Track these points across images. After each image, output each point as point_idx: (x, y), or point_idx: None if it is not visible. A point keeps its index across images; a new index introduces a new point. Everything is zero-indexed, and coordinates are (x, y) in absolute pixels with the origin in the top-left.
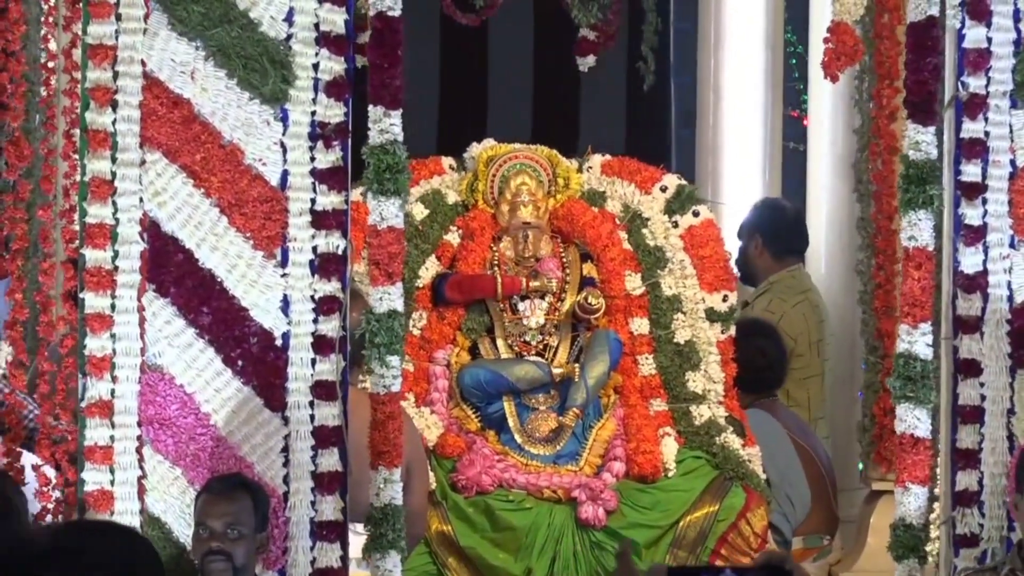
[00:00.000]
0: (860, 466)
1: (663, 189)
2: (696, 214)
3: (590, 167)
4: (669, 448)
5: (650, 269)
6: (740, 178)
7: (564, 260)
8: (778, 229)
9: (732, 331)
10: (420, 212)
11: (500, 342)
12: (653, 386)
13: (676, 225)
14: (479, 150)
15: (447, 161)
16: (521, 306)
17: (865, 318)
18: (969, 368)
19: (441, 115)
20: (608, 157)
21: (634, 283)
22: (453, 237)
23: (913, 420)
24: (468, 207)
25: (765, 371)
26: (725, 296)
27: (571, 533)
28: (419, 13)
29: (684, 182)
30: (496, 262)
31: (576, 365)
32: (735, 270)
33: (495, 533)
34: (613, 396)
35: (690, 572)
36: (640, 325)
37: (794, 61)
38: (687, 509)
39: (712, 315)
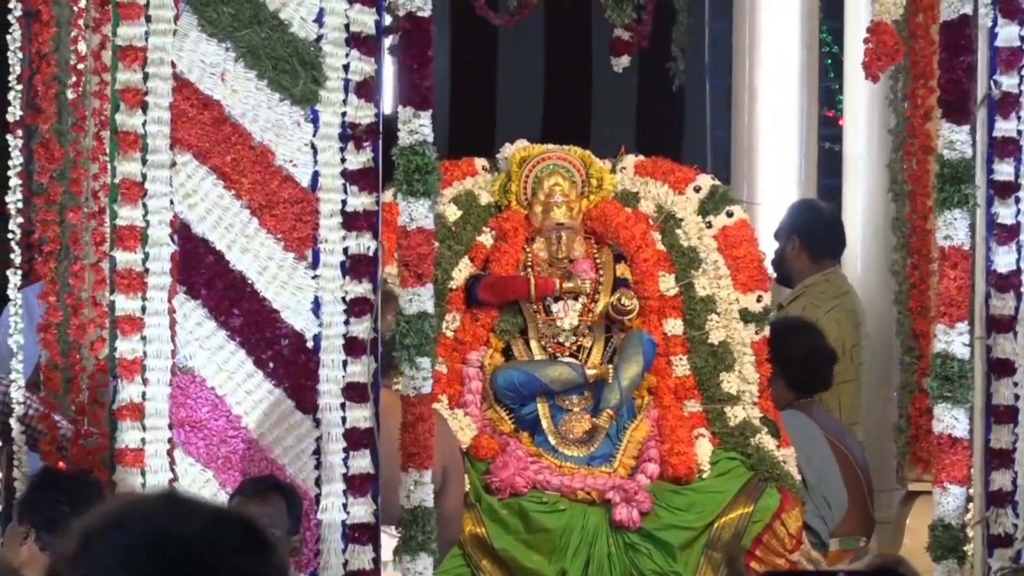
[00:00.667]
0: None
1: (697, 189)
2: (730, 214)
3: (623, 167)
4: (703, 449)
5: (684, 270)
6: (775, 179)
7: (598, 261)
8: (815, 230)
9: (766, 331)
10: (453, 213)
11: (534, 343)
12: (687, 387)
13: (710, 226)
14: (512, 151)
15: (480, 162)
16: (555, 307)
17: (900, 318)
18: (1003, 368)
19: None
20: (642, 157)
21: (668, 284)
22: (486, 238)
23: (951, 420)
24: (501, 208)
25: (821, 370)
26: (759, 296)
27: (605, 535)
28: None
29: (718, 182)
30: (529, 263)
31: (610, 366)
32: (771, 271)
33: (529, 535)
34: (647, 397)
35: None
36: (674, 326)
37: (829, 61)
38: (722, 510)
39: (746, 316)
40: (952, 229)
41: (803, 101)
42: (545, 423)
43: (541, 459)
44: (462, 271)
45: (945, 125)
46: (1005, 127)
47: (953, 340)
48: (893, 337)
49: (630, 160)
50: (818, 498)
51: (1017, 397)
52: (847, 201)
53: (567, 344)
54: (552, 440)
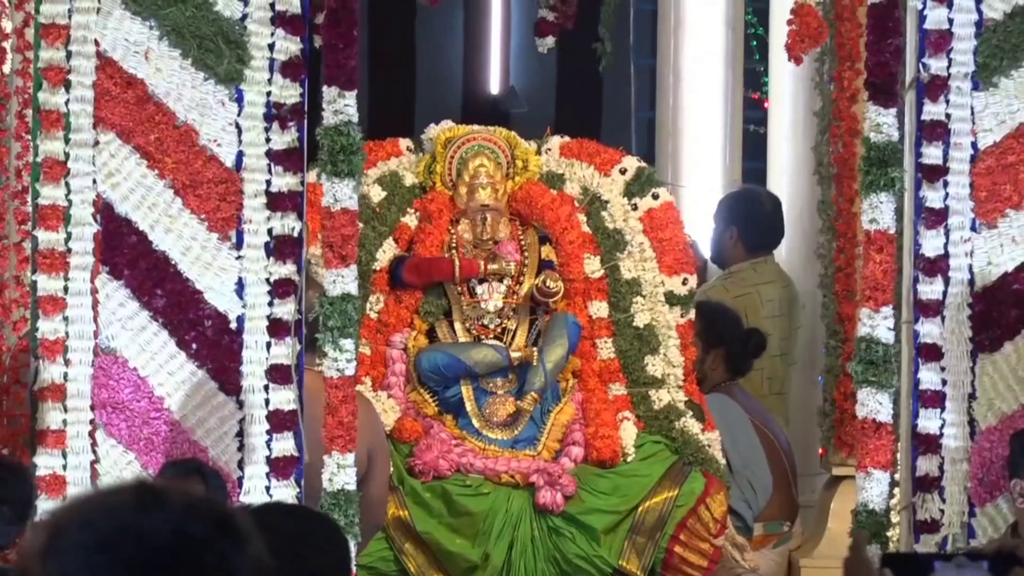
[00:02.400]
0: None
1: (623, 171)
2: (656, 197)
3: (549, 149)
4: (628, 433)
5: (609, 252)
6: (700, 161)
7: (523, 243)
8: (754, 223)
9: (691, 315)
10: (377, 194)
11: (458, 325)
12: (612, 370)
13: (635, 208)
14: (437, 131)
15: (405, 143)
16: (479, 289)
17: (826, 302)
18: (930, 352)
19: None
20: (567, 139)
21: (593, 266)
22: (411, 219)
23: (875, 405)
24: (426, 189)
25: (755, 353)
26: (685, 279)
27: (529, 518)
28: None
29: (644, 164)
30: (454, 245)
31: (534, 349)
32: (710, 252)
33: (452, 518)
34: (572, 380)
35: (919, 559)
36: (599, 308)
37: (755, 43)
38: (646, 494)
39: (671, 298)
40: (878, 212)
41: (728, 83)
42: (469, 406)
43: (465, 442)
44: (386, 252)
45: (871, 108)
46: (934, 110)
47: (878, 324)
48: (818, 321)
49: (556, 141)
50: (743, 482)
51: (944, 382)
52: (771, 184)
53: (491, 326)
54: (476, 423)
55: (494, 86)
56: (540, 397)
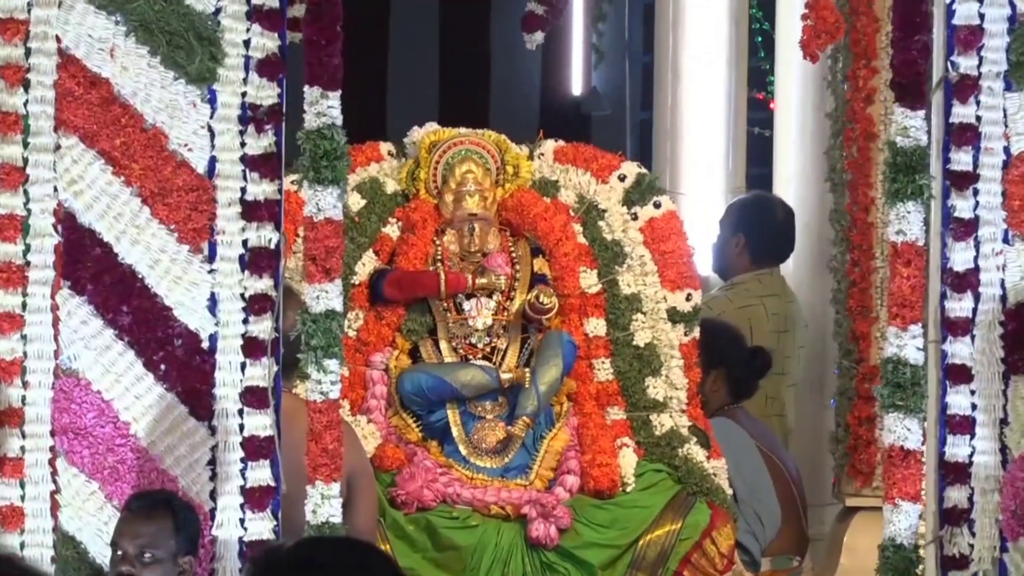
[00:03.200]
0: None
1: (621, 178)
2: (658, 205)
3: (542, 154)
4: (627, 460)
5: (607, 265)
6: (700, 165)
7: (513, 255)
8: (764, 233)
9: (696, 333)
10: (356, 202)
11: (443, 344)
12: (610, 393)
13: (636, 217)
14: (421, 135)
15: (386, 147)
16: (466, 305)
17: (839, 319)
18: (959, 374)
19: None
20: (561, 143)
21: (589, 280)
22: (392, 230)
23: (903, 431)
24: (409, 197)
25: (760, 374)
26: (689, 295)
27: (520, 553)
28: None
29: (644, 170)
30: (439, 257)
31: (526, 370)
32: (712, 261)
33: (437, 553)
34: (566, 404)
35: None
36: (596, 326)
37: (760, 39)
38: (647, 527)
39: (674, 315)
40: (905, 223)
41: (731, 82)
42: (455, 431)
43: (451, 470)
44: (366, 265)
45: (898, 110)
46: (963, 112)
47: (906, 344)
48: (829, 340)
49: (549, 146)
50: (749, 512)
51: (974, 407)
52: (777, 191)
53: (480, 345)
54: (463, 450)
55: (575, 87)
56: (532, 422)
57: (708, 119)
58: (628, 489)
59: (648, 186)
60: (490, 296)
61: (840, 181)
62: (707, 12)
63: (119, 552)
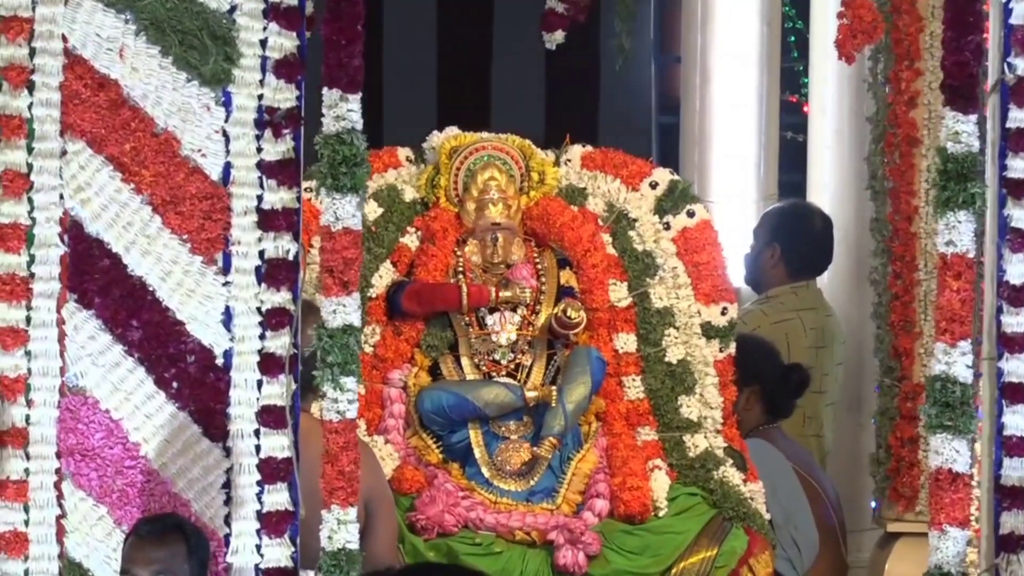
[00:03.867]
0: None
1: (653, 185)
2: (691, 214)
3: (569, 160)
4: (660, 483)
5: (638, 277)
6: (730, 172)
7: (539, 267)
8: (801, 245)
9: (732, 349)
10: (373, 211)
11: (465, 361)
12: (641, 412)
13: (668, 227)
14: (440, 140)
15: (404, 152)
16: (489, 320)
17: (880, 334)
18: (1016, 393)
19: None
20: (589, 148)
21: (619, 293)
22: (411, 240)
23: (951, 453)
24: (428, 205)
25: (797, 393)
26: (724, 309)
27: None
28: None
29: (677, 177)
30: (461, 269)
31: (553, 388)
32: (744, 271)
33: None
34: (595, 423)
35: None
36: (626, 342)
37: (793, 39)
38: (681, 554)
39: (709, 331)
40: (955, 234)
41: (762, 84)
42: (478, 452)
43: (473, 494)
44: (383, 277)
45: (949, 114)
46: (1020, 117)
47: (955, 361)
48: (868, 356)
49: (576, 151)
50: (785, 538)
51: None
52: (812, 198)
53: (504, 362)
54: (486, 472)
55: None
56: (559, 443)
57: (739, 123)
58: (660, 514)
59: (681, 194)
60: (514, 310)
61: (881, 189)
62: (738, 11)
63: None
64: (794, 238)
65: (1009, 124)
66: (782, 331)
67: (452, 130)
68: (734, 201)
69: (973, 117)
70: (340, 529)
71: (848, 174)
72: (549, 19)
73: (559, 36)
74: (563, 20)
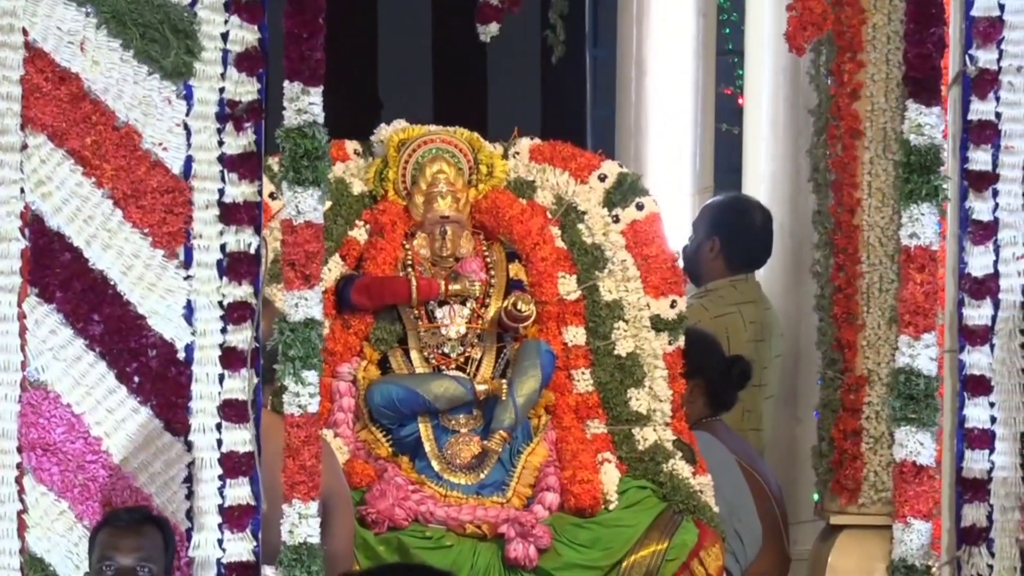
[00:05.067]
0: (815, 497)
1: (602, 178)
2: (640, 207)
3: (517, 152)
4: (610, 476)
5: (587, 270)
6: (666, 165)
7: (488, 260)
8: (741, 237)
9: (681, 342)
10: None
11: (414, 354)
12: (590, 405)
13: (617, 220)
14: (388, 133)
15: (351, 145)
16: (439, 313)
17: (822, 326)
18: (978, 385)
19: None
20: (538, 141)
21: (568, 286)
22: (359, 233)
23: (915, 445)
24: (376, 198)
25: (739, 385)
26: (673, 302)
27: (497, 575)
28: None
29: (626, 170)
30: (410, 262)
31: (503, 381)
32: (683, 265)
33: None
34: (545, 417)
35: None
36: (575, 335)
37: (728, 31)
38: (631, 547)
39: (658, 323)
40: (918, 226)
41: (698, 76)
42: (428, 446)
43: (423, 487)
44: (332, 271)
45: (911, 106)
46: (982, 109)
47: (919, 354)
48: (806, 349)
49: (525, 144)
50: (729, 532)
51: (993, 420)
52: (748, 190)
53: (453, 355)
54: (436, 466)
55: None
56: (509, 436)
57: (674, 116)
58: (611, 507)
59: (630, 187)
60: (464, 303)
61: (824, 181)
62: (673, 3)
63: (112, 566)
64: (734, 232)
65: (971, 116)
66: (722, 325)
67: (400, 123)
68: (671, 194)
69: (936, 109)
70: (301, 523)
71: (784, 166)
72: (484, 11)
73: (494, 28)
74: (498, 12)
